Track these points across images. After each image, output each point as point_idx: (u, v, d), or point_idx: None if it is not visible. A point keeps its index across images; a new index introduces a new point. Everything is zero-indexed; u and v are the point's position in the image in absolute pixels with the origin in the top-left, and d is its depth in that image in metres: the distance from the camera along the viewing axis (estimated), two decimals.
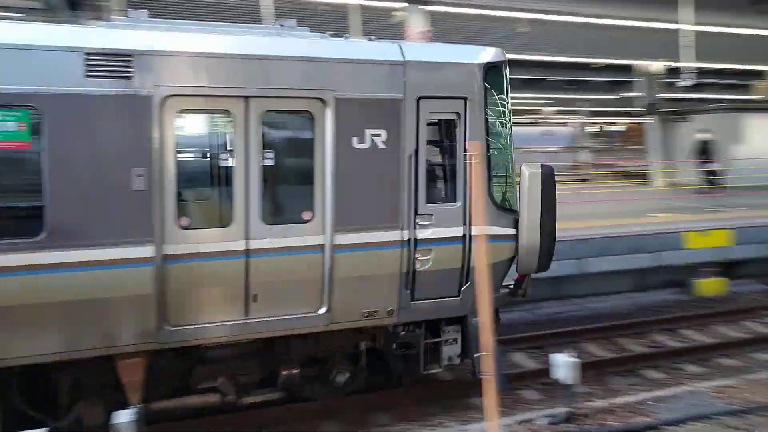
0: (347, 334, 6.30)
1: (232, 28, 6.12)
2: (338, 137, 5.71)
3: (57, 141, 4.96)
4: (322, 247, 5.76)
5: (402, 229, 6.01)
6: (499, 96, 6.56)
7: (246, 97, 5.48)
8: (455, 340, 6.63)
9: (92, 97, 5.04)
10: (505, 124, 6.72)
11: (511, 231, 6.35)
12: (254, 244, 5.55)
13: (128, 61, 5.09)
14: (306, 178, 5.77)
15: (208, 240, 5.50)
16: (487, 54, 6.44)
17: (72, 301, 5.03)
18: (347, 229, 5.81)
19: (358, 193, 5.87)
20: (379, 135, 5.87)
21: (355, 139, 5.78)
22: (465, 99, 6.17)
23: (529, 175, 6.25)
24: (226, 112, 5.58)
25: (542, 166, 6.31)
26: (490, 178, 6.31)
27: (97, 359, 5.37)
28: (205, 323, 5.54)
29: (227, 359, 6.09)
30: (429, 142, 6.26)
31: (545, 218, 6.25)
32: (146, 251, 5.19)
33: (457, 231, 6.22)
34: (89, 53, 5.02)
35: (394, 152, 5.92)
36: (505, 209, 6.45)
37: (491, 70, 6.38)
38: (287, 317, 5.78)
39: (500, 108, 6.61)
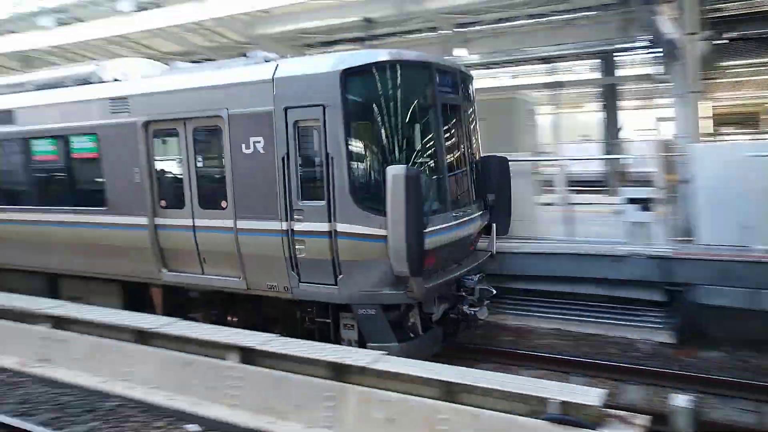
0: (269, 303, 7.94)
1: (189, 68, 9.08)
2: (232, 144, 7.50)
3: (105, 150, 8.89)
4: (232, 229, 7.63)
5: (281, 220, 7.24)
6: (374, 99, 6.90)
7: (183, 119, 7.99)
8: (352, 326, 7.36)
9: (115, 125, 8.66)
10: (390, 126, 6.97)
11: (381, 231, 6.62)
12: (197, 222, 8.05)
13: (126, 102, 8.54)
14: (221, 176, 7.75)
15: (175, 217, 8.24)
16: (351, 60, 6.96)
17: (123, 246, 8.79)
18: (246, 217, 7.54)
19: (249, 188, 7.51)
20: (259, 141, 7.27)
21: (243, 146, 7.40)
22: (323, 106, 6.77)
23: (392, 177, 6.38)
24: (175, 130, 8.14)
25: (407, 168, 6.41)
26: (353, 180, 6.75)
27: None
28: (184, 272, 8.39)
29: (199, 301, 8.71)
30: (301, 147, 7.11)
31: (410, 219, 6.36)
32: (145, 221, 8.42)
33: (324, 227, 6.94)
34: (111, 98, 8.77)
35: (270, 156, 7.21)
36: (374, 210, 6.68)
37: (356, 76, 6.83)
38: (224, 278, 8.00)
39: (377, 111, 6.91)
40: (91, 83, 9.35)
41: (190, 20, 12.42)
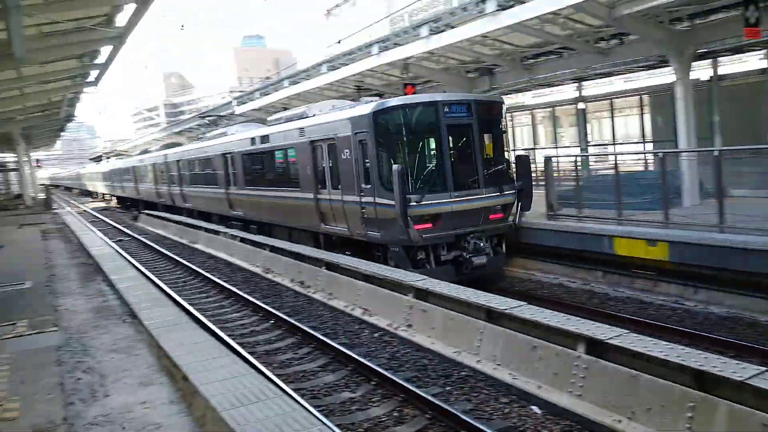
0: (358, 242, 12.54)
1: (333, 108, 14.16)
2: (339, 153, 12.25)
3: (298, 157, 14.31)
4: (341, 200, 12.37)
5: (358, 195, 11.70)
6: (389, 127, 11.33)
7: (321, 140, 13.03)
8: (391, 257, 11.64)
9: (300, 143, 13.85)
10: (400, 142, 11.42)
11: (392, 202, 10.62)
12: (330, 196, 12.95)
13: (303, 131, 13.74)
14: (337, 171, 12.50)
15: (323, 193, 13.32)
16: (378, 106, 11.43)
17: (305, 209, 14.03)
18: (346, 194, 12.09)
19: (346, 178, 12.09)
20: (348, 151, 11.87)
21: (342, 154, 12.07)
22: (366, 132, 11.32)
23: (393, 170, 10.78)
24: (321, 146, 13.18)
25: (398, 166, 10.53)
26: (381, 174, 11.07)
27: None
28: (327, 225, 13.45)
29: (335, 242, 13.50)
30: (362, 155, 11.57)
31: (399, 194, 10.45)
32: (312, 195, 13.59)
33: (371, 199, 11.33)
34: (299, 128, 14.11)
35: (352, 159, 11.74)
36: (390, 190, 10.71)
37: (380, 114, 11.22)
38: (341, 229, 12.78)
39: (391, 134, 11.39)
40: (303, 118, 14.59)
41: (547, 11, 12.36)
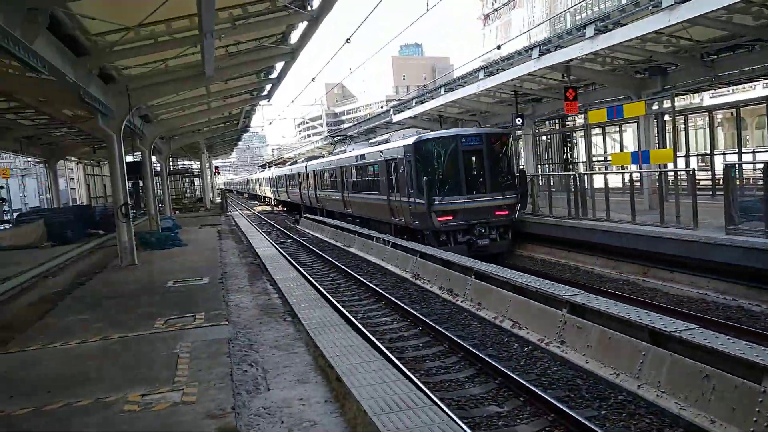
0: (411, 230, 18.08)
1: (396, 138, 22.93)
2: (397, 168, 17.71)
3: (379, 170, 20.00)
4: (401, 201, 17.73)
5: (408, 198, 16.95)
6: (422, 153, 16.45)
7: (388, 159, 18.78)
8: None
9: (381, 160, 19.56)
10: (430, 163, 16.36)
11: (422, 201, 15.82)
12: (394, 197, 18.62)
13: (382, 152, 19.86)
14: (398, 181, 17.93)
15: (391, 196, 18.82)
16: (417, 138, 17.10)
17: (381, 207, 19.93)
18: (403, 195, 17.39)
19: (404, 185, 17.22)
20: (403, 167, 17.19)
21: (400, 168, 17.49)
22: (410, 154, 16.76)
23: (423, 180, 16.15)
24: (389, 163, 18.78)
25: (427, 178, 15.97)
26: (418, 184, 16.17)
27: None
28: (395, 218, 18.95)
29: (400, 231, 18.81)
30: (409, 170, 16.93)
31: (426, 196, 15.74)
32: (385, 197, 19.27)
33: (412, 200, 16.61)
34: (380, 151, 20.44)
35: (406, 173, 17.08)
36: (421, 194, 15.86)
37: (417, 144, 16.62)
38: (404, 221, 17.98)
39: (424, 157, 16.43)
40: (383, 143, 21.38)
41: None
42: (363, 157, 21.95)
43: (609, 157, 23.66)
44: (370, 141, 30.02)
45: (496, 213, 15.97)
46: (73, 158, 33.39)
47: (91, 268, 14.75)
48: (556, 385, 7.30)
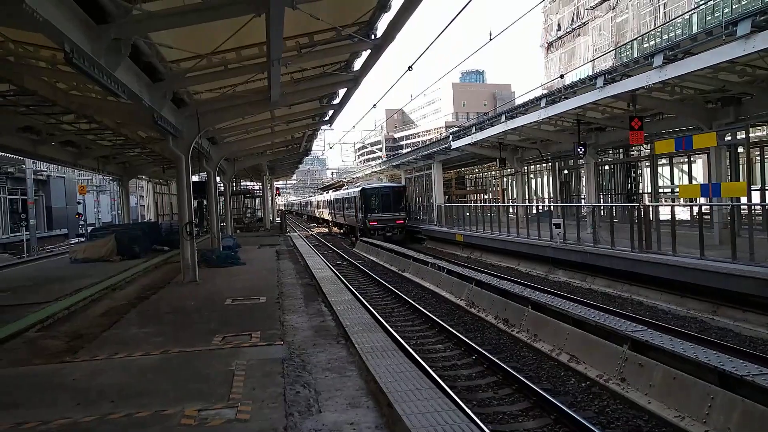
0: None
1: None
2: (356, 200, 37.00)
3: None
4: (357, 216, 36.51)
5: (358, 214, 36.01)
6: (365, 195, 34.74)
7: (351, 196, 39.67)
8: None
9: (350, 197, 39.74)
10: (367, 199, 34.68)
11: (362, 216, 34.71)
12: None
13: (349, 193, 43.00)
14: (356, 207, 36.41)
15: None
16: (365, 186, 37.03)
17: (349, 219, 39.88)
18: (356, 215, 36.69)
19: (357, 209, 36.49)
20: (356, 201, 36.89)
21: (356, 201, 36.85)
22: (360, 196, 35.96)
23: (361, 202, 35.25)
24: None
25: (365, 207, 34.47)
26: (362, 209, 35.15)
27: None
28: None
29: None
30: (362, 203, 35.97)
31: (362, 214, 35.01)
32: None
33: (361, 216, 35.06)
34: (349, 192, 42.17)
35: (357, 204, 36.61)
36: (363, 213, 34.63)
37: (364, 190, 35.07)
38: (357, 225, 37.63)
39: (365, 198, 34.73)
40: (355, 187, 41.50)
41: None
42: (350, 193, 39.70)
43: (676, 189, 22.80)
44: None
45: (396, 222, 33.65)
46: (144, 177, 35.07)
47: (155, 283, 15.34)
48: (615, 424, 7.01)
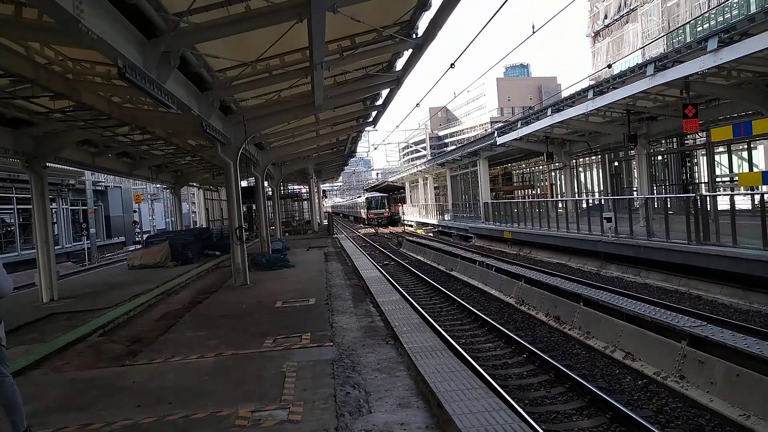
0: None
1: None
2: (365, 204, 67.96)
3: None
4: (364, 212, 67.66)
5: (366, 209, 66.16)
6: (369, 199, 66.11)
7: (358, 202, 76.84)
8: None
9: (360, 203, 74.91)
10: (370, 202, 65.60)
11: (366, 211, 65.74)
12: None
13: (359, 198, 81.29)
14: (365, 206, 67.52)
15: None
16: (367, 194, 72.33)
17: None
18: (366, 210, 66.15)
19: (365, 207, 66.80)
20: (365, 203, 67.95)
21: (366, 203, 66.96)
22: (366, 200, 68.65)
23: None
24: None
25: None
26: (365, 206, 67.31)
27: None
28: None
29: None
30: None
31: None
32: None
33: (365, 210, 67.05)
34: (359, 198, 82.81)
35: (365, 204, 67.59)
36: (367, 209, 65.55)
37: (367, 197, 68.06)
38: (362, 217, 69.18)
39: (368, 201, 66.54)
40: (360, 197, 77.35)
41: None
42: (365, 198, 67.46)
43: (735, 178, 21.86)
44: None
45: (383, 215, 61.12)
46: (195, 184, 36.05)
47: (208, 287, 15.75)
48: (674, 423, 6.79)
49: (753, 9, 24.39)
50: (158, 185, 38.69)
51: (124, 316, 11.99)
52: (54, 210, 34.04)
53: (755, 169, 21.65)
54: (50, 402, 6.48)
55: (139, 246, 31.28)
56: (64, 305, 13.34)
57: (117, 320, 11.58)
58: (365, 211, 63.38)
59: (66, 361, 8.63)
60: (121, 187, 47.37)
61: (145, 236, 33.75)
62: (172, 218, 39.29)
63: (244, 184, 27.28)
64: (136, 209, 42.71)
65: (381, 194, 66.57)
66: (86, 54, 9.82)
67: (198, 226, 39.84)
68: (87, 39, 6.45)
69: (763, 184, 14.68)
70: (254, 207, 28.65)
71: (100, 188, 43.06)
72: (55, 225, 34.07)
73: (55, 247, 17.09)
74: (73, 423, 5.70)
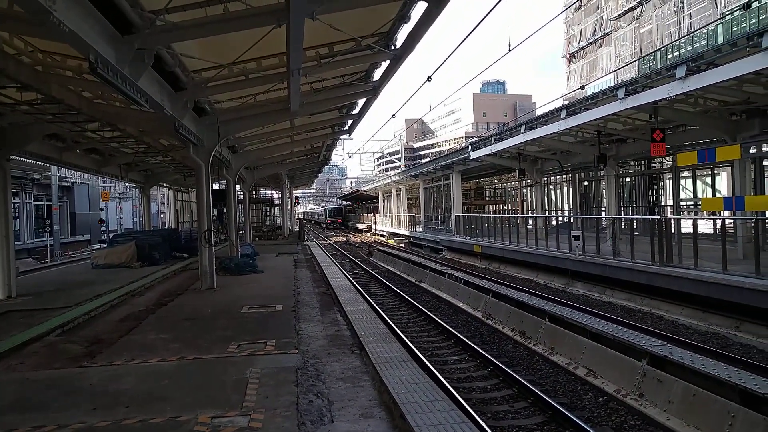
0: None
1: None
2: (339, 211, 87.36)
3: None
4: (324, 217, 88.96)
5: (337, 217, 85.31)
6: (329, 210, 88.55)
7: (329, 209, 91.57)
8: None
9: (329, 210, 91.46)
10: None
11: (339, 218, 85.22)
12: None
13: (329, 205, 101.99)
14: (337, 213, 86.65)
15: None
16: (336, 203, 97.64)
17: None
18: (339, 218, 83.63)
19: (336, 214, 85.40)
20: (326, 211, 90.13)
21: (339, 210, 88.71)
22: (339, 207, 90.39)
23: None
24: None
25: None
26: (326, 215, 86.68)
27: None
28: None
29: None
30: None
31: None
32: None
33: (339, 218, 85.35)
34: (330, 205, 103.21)
35: (325, 212, 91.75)
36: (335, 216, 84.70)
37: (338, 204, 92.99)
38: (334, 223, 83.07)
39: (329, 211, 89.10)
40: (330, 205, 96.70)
41: None
42: (329, 207, 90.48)
43: (699, 202, 22.46)
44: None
45: (338, 221, 79.50)
46: (165, 184, 35.53)
47: (174, 290, 15.49)
48: None
49: (720, 40, 25.18)
50: (127, 184, 38.00)
51: (84, 316, 11.70)
52: (16, 204, 33.13)
53: (718, 195, 22.28)
54: (2, 402, 6.28)
55: (104, 245, 30.62)
56: (22, 303, 12.96)
57: (77, 320, 11.29)
58: (324, 217, 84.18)
59: (21, 361, 8.38)
60: (88, 184, 46.38)
61: (111, 235, 33.05)
62: (140, 218, 38.56)
63: (215, 186, 26.95)
64: (103, 207, 41.81)
65: (336, 206, 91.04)
66: (57, 47, 9.63)
67: (167, 227, 39.18)
68: (58, 31, 6.33)
69: (725, 209, 15.16)
70: (225, 210, 28.33)
71: (66, 184, 42.08)
72: (17, 220, 33.16)
73: (16, 243, 16.60)
74: (25, 424, 5.52)
